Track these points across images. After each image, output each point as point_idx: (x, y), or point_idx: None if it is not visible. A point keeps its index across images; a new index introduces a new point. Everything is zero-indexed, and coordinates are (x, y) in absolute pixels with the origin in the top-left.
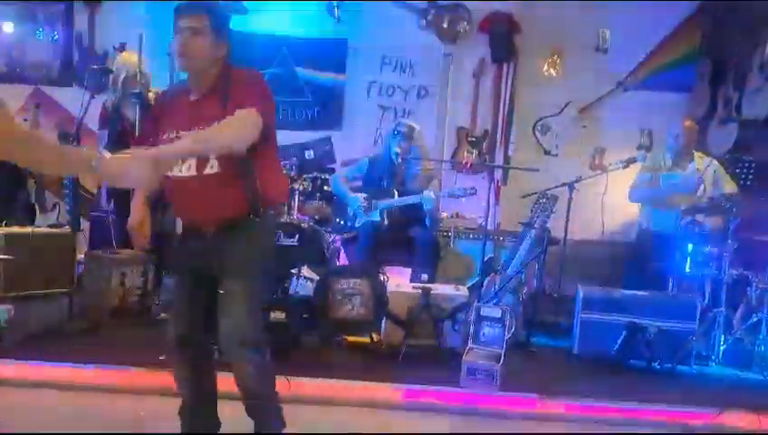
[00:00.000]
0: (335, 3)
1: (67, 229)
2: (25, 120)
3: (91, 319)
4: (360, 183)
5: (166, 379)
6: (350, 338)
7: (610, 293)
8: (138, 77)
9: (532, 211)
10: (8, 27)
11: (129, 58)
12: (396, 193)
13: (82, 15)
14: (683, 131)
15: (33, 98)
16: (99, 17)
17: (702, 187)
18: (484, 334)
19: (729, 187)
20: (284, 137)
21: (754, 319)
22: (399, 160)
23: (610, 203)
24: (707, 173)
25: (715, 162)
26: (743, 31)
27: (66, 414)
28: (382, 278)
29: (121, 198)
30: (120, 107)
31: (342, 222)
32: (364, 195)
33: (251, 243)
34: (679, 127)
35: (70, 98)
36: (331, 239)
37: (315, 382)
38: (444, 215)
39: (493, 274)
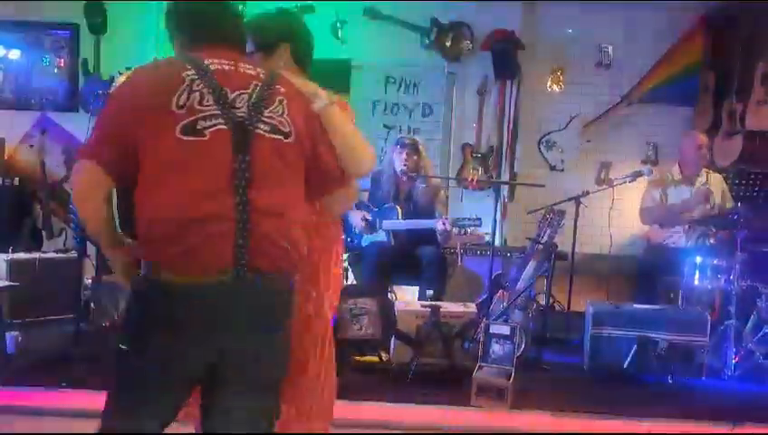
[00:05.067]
0: (338, 23)
1: (73, 254)
2: (31, 145)
3: (98, 344)
4: (363, 198)
5: None
6: (359, 358)
7: (620, 307)
8: None
9: (539, 227)
10: (15, 54)
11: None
12: (399, 210)
13: (88, 42)
14: (697, 146)
15: (39, 124)
16: (104, 44)
17: (711, 199)
18: (493, 352)
19: (729, 203)
20: None
21: (766, 330)
22: (406, 177)
23: (618, 217)
24: (716, 187)
25: (719, 177)
26: (745, 43)
27: None
28: (390, 297)
29: (129, 223)
30: None
31: (349, 239)
32: (362, 214)
33: None
34: (697, 139)
35: (76, 123)
36: None
37: None
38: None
39: (501, 290)
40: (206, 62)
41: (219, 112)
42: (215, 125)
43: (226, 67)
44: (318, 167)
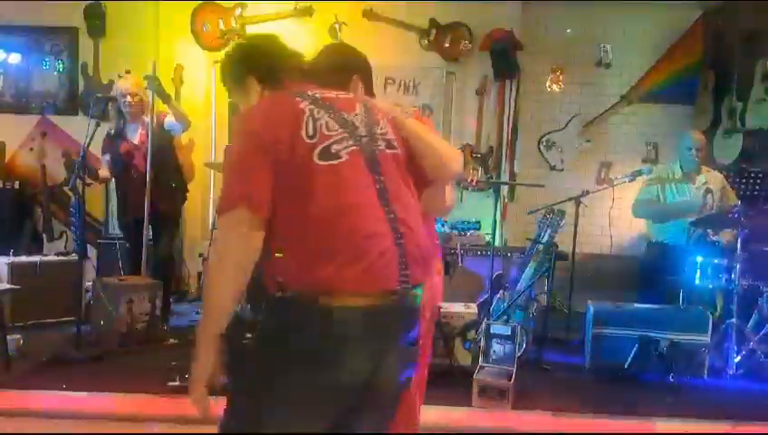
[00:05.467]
0: (337, 25)
1: (74, 257)
2: (31, 149)
3: (100, 346)
4: None
5: (174, 406)
6: None
7: (621, 307)
8: (130, 100)
9: (539, 227)
10: (14, 58)
11: (123, 84)
12: None
13: (87, 45)
14: (697, 144)
15: (39, 127)
16: (103, 47)
17: (710, 200)
18: (494, 352)
19: (732, 200)
20: None
21: (767, 329)
22: None
23: (618, 217)
24: (715, 187)
25: (720, 175)
26: (744, 42)
27: None
28: None
29: (129, 225)
30: (122, 130)
31: None
32: None
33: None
34: (691, 139)
35: (75, 126)
36: None
37: None
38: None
39: (502, 290)
40: (310, 92)
41: (347, 135)
42: (348, 147)
43: (330, 94)
44: (413, 174)
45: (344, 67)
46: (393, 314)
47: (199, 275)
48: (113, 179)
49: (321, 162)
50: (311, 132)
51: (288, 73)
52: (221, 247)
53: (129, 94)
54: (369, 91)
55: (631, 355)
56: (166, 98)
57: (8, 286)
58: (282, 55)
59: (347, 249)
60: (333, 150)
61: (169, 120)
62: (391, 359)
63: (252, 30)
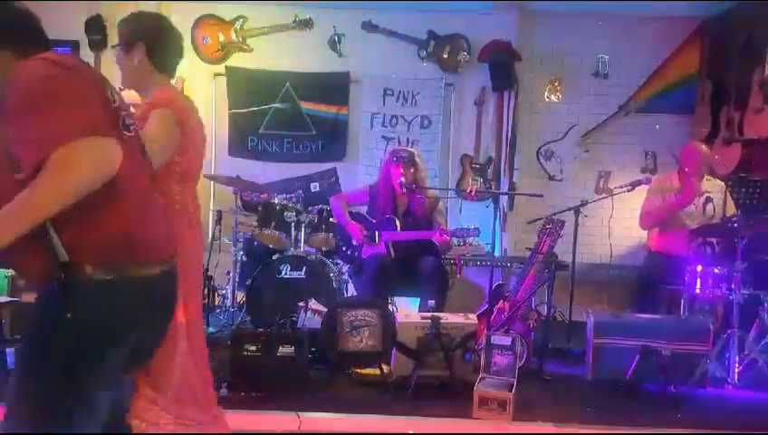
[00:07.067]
0: (337, 37)
1: None
2: None
3: None
4: (363, 208)
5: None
6: (360, 371)
7: (621, 317)
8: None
9: (538, 237)
10: None
11: (127, 95)
12: (397, 223)
13: (89, 58)
14: (700, 159)
15: None
16: (105, 60)
17: (711, 208)
18: (495, 363)
19: (732, 209)
20: (290, 170)
21: None
22: (405, 189)
23: (617, 226)
24: (717, 196)
25: (720, 184)
26: (741, 51)
27: None
28: (391, 309)
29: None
30: None
31: (349, 251)
32: (360, 226)
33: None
34: (696, 153)
35: None
36: (338, 271)
37: (325, 417)
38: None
39: (502, 301)
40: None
41: (127, 113)
42: (132, 123)
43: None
44: None
45: (130, 32)
46: (173, 282)
47: None
48: None
49: (124, 131)
50: (110, 97)
51: (45, 42)
52: (105, 163)
53: (133, 106)
54: (162, 66)
55: (632, 365)
56: None
57: (7, 299)
58: (33, 23)
59: (148, 220)
60: (127, 122)
61: None
62: (166, 325)
63: (252, 42)
